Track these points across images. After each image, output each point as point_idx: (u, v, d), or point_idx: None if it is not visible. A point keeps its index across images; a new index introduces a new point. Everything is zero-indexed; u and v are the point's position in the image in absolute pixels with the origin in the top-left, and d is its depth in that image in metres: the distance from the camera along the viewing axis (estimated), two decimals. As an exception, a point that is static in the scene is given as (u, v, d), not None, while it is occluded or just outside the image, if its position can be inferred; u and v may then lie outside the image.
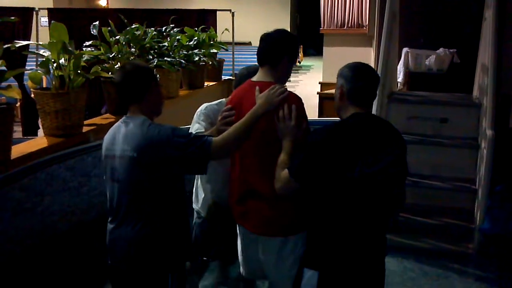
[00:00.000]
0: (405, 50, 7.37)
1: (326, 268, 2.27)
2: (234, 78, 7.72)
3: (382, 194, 2.27)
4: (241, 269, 2.80)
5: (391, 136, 2.32)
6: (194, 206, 3.24)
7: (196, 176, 3.20)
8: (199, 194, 3.17)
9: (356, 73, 2.32)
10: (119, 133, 2.36)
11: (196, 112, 3.04)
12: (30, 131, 7.63)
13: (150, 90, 2.40)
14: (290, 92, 2.51)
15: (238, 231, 2.71)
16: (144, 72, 2.43)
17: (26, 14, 7.75)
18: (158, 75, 2.54)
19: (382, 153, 2.22)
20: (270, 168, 2.35)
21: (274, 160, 2.35)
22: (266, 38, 2.59)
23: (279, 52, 2.55)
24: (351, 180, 2.16)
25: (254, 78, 2.62)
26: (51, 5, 15.47)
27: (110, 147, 2.38)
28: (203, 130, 2.85)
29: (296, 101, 2.49)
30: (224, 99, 2.92)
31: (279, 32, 2.60)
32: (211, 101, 3.10)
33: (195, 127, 2.92)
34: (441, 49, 7.36)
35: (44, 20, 8.79)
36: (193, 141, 2.28)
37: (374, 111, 4.49)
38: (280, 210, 2.45)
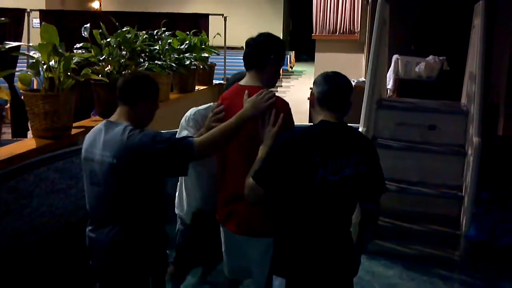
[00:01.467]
0: (395, 57, 7.44)
1: (292, 275, 2.27)
2: (225, 82, 7.74)
3: (345, 201, 2.28)
4: (225, 270, 2.83)
5: (358, 145, 2.31)
6: (177, 211, 3.23)
7: (179, 181, 3.20)
8: (184, 200, 3.16)
9: (325, 79, 2.34)
10: (99, 137, 2.35)
11: (183, 117, 3.03)
12: (19, 133, 7.59)
13: (145, 101, 2.41)
14: (278, 98, 2.53)
15: (221, 233, 2.73)
16: (147, 82, 2.45)
17: (18, 15, 7.73)
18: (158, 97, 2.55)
19: (347, 161, 2.22)
20: None
21: None
22: (251, 42, 2.61)
23: (264, 55, 2.57)
24: (312, 187, 2.17)
25: (242, 82, 2.63)
26: (43, 7, 15.41)
27: (89, 150, 2.38)
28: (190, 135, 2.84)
29: (283, 107, 2.51)
30: (212, 104, 2.92)
31: (264, 36, 2.61)
32: (202, 105, 3.10)
33: (183, 134, 2.91)
34: (430, 57, 7.44)
35: (36, 21, 8.77)
36: (173, 145, 2.27)
37: (362, 117, 4.56)
38: (261, 212, 2.47)
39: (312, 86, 2.50)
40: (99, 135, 2.37)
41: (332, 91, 2.32)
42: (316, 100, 2.36)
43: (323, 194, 2.20)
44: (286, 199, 2.25)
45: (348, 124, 2.36)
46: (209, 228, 2.89)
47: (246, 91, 2.51)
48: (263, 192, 2.24)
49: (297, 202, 2.23)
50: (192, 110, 3.03)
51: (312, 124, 2.38)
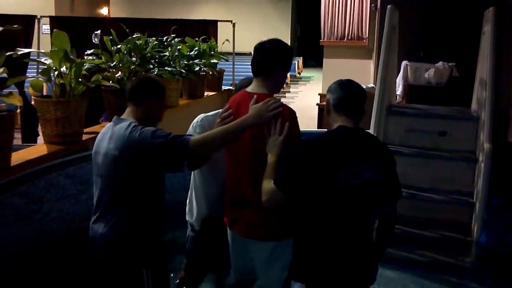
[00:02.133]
0: (404, 63, 7.43)
1: (313, 281, 2.29)
2: (234, 88, 7.77)
3: (365, 205, 2.31)
4: (232, 272, 2.84)
5: (376, 150, 2.36)
6: (187, 218, 3.25)
7: (190, 188, 3.21)
8: (193, 207, 3.18)
9: (340, 85, 2.41)
10: (107, 132, 2.50)
11: (192, 123, 3.04)
12: (29, 138, 7.64)
13: (150, 100, 2.56)
14: (285, 106, 2.54)
15: (228, 235, 2.74)
16: (153, 83, 2.62)
17: (28, 22, 7.79)
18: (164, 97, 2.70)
19: (366, 164, 2.26)
20: (258, 178, 2.40)
21: (263, 170, 2.40)
22: (260, 49, 2.61)
23: (273, 63, 2.58)
24: (333, 191, 2.21)
25: (249, 89, 2.64)
26: (53, 13, 15.53)
27: (98, 144, 2.53)
28: None
29: (289, 115, 2.52)
30: (220, 110, 2.94)
31: (274, 43, 2.61)
32: (211, 111, 3.11)
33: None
34: (440, 63, 7.42)
35: (45, 27, 8.82)
36: (171, 140, 2.37)
37: (372, 123, 4.55)
38: (269, 216, 2.49)
39: (325, 93, 2.52)
40: (107, 130, 2.52)
41: (348, 97, 2.37)
42: (332, 107, 2.40)
43: (344, 197, 2.24)
44: (307, 203, 2.29)
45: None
46: (219, 234, 2.90)
47: (255, 96, 2.53)
48: (283, 198, 2.27)
49: (318, 207, 2.27)
50: (200, 117, 3.06)
51: (326, 130, 2.43)
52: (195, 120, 3.05)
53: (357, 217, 2.31)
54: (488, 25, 4.87)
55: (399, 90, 7.33)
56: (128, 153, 2.38)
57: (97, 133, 4.39)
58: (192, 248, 3.27)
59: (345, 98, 2.37)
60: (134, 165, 2.39)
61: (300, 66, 21.24)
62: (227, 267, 3.02)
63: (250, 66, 2.65)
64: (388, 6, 4.98)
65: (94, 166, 2.56)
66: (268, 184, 2.31)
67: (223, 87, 8.16)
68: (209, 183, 3.04)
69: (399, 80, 7.35)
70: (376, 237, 2.44)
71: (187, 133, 3.00)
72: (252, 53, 2.65)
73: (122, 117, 2.56)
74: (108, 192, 2.48)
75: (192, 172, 3.14)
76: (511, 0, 7.05)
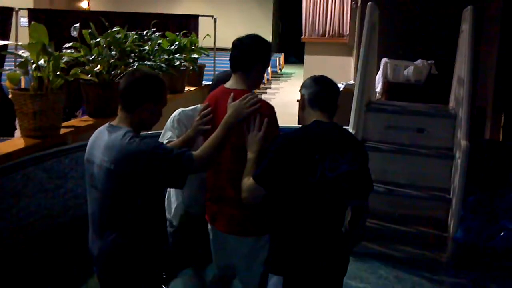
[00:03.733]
0: (384, 60, 7.48)
1: (290, 273, 2.32)
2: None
3: (341, 198, 2.34)
4: (213, 268, 2.85)
5: (351, 144, 2.40)
6: (166, 214, 3.24)
7: None
8: (172, 202, 3.17)
9: (315, 81, 2.45)
10: (101, 140, 2.31)
11: (169, 118, 3.02)
12: (6, 132, 7.52)
13: (141, 108, 2.31)
14: (263, 101, 2.54)
15: (209, 231, 2.75)
16: (146, 86, 2.32)
17: (6, 14, 7.66)
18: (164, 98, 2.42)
19: (342, 158, 2.30)
20: (238, 174, 2.40)
21: (243, 167, 2.41)
22: (238, 45, 2.59)
23: (252, 59, 2.56)
24: (312, 184, 2.24)
25: (227, 85, 2.63)
26: (31, 5, 15.30)
27: (91, 152, 2.35)
28: (174, 138, 2.82)
29: (268, 110, 2.53)
30: (199, 105, 2.91)
31: (252, 38, 2.59)
32: (191, 106, 3.10)
33: (167, 135, 2.91)
34: (419, 60, 7.48)
35: (23, 20, 8.69)
36: (175, 159, 2.24)
37: (351, 120, 4.59)
38: (249, 212, 2.51)
39: (300, 89, 2.53)
40: (101, 137, 2.33)
41: (322, 92, 2.41)
42: (307, 102, 2.43)
43: (322, 191, 2.26)
44: (286, 197, 2.31)
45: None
46: (197, 230, 2.90)
47: (232, 94, 2.52)
48: (263, 193, 2.29)
49: (297, 200, 2.29)
50: (178, 111, 3.04)
51: (302, 125, 2.43)
52: (173, 115, 3.02)
53: (333, 209, 2.34)
54: (466, 23, 4.93)
55: (378, 87, 7.38)
56: (125, 166, 2.20)
57: (76, 127, 4.40)
58: (171, 244, 3.26)
59: (319, 93, 2.41)
60: (131, 180, 2.22)
61: (281, 63, 21.25)
62: (208, 263, 3.03)
63: (229, 62, 2.64)
64: (368, 4, 5.02)
65: (87, 174, 2.36)
66: (247, 181, 2.32)
67: (204, 82, 8.13)
68: (189, 179, 3.03)
69: (379, 77, 7.41)
70: (348, 230, 2.47)
71: (164, 128, 2.98)
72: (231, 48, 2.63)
73: (114, 122, 2.34)
74: (105, 206, 2.31)
75: None
76: None
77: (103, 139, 2.30)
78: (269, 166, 2.28)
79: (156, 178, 2.24)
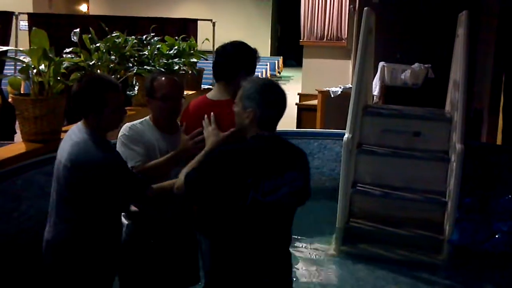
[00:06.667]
0: (381, 64, 7.53)
1: None
2: (212, 87, 7.78)
3: (280, 219, 2.23)
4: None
5: (293, 161, 2.25)
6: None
7: None
8: None
9: (260, 93, 2.20)
10: (70, 138, 2.40)
11: (119, 135, 2.71)
12: (6, 136, 7.56)
13: (95, 114, 2.36)
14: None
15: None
16: (95, 93, 2.34)
17: (6, 18, 7.70)
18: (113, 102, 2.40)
19: (283, 179, 2.16)
20: None
21: None
22: (221, 52, 2.54)
23: (235, 67, 2.51)
24: (242, 208, 2.10)
25: (210, 95, 2.58)
26: (31, 10, 15.36)
27: (59, 149, 2.46)
28: (139, 158, 2.61)
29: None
30: (148, 117, 2.75)
31: (235, 46, 2.55)
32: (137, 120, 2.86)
33: (132, 157, 2.61)
34: (416, 64, 7.54)
35: (23, 24, 8.73)
36: (128, 181, 2.39)
37: (348, 123, 4.63)
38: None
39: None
40: (70, 136, 2.42)
41: (272, 107, 2.23)
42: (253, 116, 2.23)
43: (255, 215, 2.14)
44: (217, 216, 2.21)
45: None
46: (150, 230, 2.81)
47: (212, 114, 2.44)
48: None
49: (228, 221, 2.17)
50: (127, 127, 2.72)
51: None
52: (123, 131, 2.70)
53: (272, 230, 2.22)
54: (462, 28, 4.98)
55: (376, 90, 7.44)
56: (80, 171, 2.30)
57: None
58: (127, 236, 3.20)
59: (267, 109, 2.18)
60: (82, 183, 2.32)
61: (280, 66, 21.31)
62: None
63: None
64: (365, 9, 5.07)
65: (55, 166, 2.46)
66: (183, 176, 2.21)
67: (203, 86, 8.17)
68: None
69: (376, 81, 7.46)
70: None
71: (118, 146, 2.70)
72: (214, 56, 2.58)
73: (80, 124, 2.42)
74: (58, 198, 2.41)
75: None
76: (484, 4, 7.21)
77: (71, 138, 2.39)
78: (201, 179, 2.13)
79: (105, 190, 2.36)
